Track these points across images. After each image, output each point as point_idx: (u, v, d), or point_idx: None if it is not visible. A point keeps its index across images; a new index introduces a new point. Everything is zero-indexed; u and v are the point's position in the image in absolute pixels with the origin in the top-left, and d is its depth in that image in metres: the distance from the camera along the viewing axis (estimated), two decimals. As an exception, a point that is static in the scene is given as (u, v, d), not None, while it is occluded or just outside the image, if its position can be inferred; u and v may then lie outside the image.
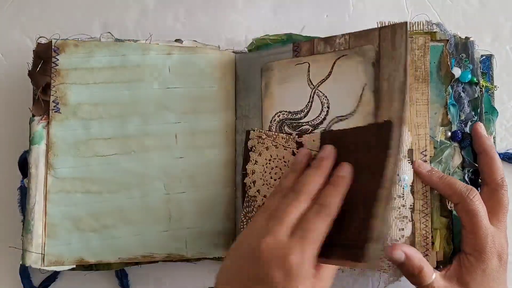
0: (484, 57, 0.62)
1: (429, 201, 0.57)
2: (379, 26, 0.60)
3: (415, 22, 0.59)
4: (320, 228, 0.47)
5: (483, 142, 0.57)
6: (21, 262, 0.60)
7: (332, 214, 0.48)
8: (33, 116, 0.62)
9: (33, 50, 0.63)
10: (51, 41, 0.62)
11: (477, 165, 0.59)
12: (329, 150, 0.54)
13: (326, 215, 0.48)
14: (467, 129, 0.59)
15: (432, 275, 0.53)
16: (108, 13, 0.72)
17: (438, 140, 0.58)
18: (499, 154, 0.62)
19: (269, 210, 0.50)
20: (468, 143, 0.59)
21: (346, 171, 0.51)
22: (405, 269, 0.53)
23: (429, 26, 0.59)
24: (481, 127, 0.58)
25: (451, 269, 0.54)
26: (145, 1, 0.73)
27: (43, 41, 0.62)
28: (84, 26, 0.71)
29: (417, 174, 0.57)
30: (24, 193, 0.63)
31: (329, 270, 0.49)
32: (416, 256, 0.53)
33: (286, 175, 0.55)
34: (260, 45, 0.66)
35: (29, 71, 0.62)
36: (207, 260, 0.65)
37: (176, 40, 0.65)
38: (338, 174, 0.51)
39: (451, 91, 0.58)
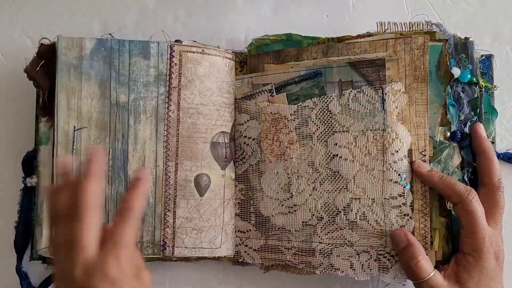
0: (484, 57, 0.62)
1: (428, 201, 0.57)
2: (379, 26, 0.60)
3: (415, 22, 0.59)
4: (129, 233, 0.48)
5: (482, 143, 0.58)
6: (33, 251, 0.64)
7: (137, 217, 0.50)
8: (38, 117, 0.65)
9: (37, 50, 0.63)
10: (54, 43, 0.63)
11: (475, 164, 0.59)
12: (95, 152, 0.52)
13: (132, 220, 0.49)
14: (466, 129, 0.59)
15: (430, 271, 0.54)
16: (108, 13, 0.72)
17: (437, 140, 0.58)
18: (499, 154, 0.63)
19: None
20: (467, 143, 0.59)
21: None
22: (404, 258, 0.55)
23: (428, 26, 0.59)
24: (480, 127, 0.58)
25: (449, 269, 0.55)
26: (145, 2, 0.73)
27: (46, 42, 0.63)
28: (84, 26, 0.71)
29: (416, 174, 0.57)
30: (26, 192, 0.66)
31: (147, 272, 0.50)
32: (418, 247, 0.55)
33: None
34: (259, 45, 0.66)
35: (26, 67, 0.63)
36: (207, 260, 0.65)
37: (176, 41, 0.65)
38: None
39: (450, 91, 0.58)
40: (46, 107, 0.64)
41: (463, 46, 0.59)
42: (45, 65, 0.63)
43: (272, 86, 0.62)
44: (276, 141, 0.63)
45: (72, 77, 0.62)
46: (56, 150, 0.61)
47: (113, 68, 0.63)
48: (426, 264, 0.54)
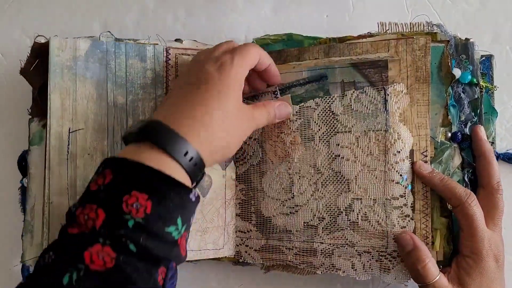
0: (484, 57, 0.62)
1: (429, 201, 0.57)
2: (379, 26, 0.60)
3: (416, 22, 0.59)
4: (253, 53, 0.55)
5: (482, 145, 0.58)
6: (20, 261, 0.60)
7: (264, 55, 0.57)
8: (32, 117, 0.63)
9: (30, 48, 0.62)
10: (48, 41, 0.61)
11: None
12: None
13: (259, 48, 0.57)
14: (467, 130, 0.59)
15: (437, 275, 0.54)
16: (108, 13, 0.72)
17: (439, 140, 0.58)
18: (499, 154, 0.63)
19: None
20: (468, 144, 0.59)
21: None
22: (410, 260, 0.55)
23: (429, 27, 0.59)
24: (481, 130, 0.58)
25: (452, 272, 0.55)
26: (145, 1, 0.73)
27: (42, 40, 0.62)
28: (84, 26, 0.71)
29: (417, 175, 0.57)
30: (24, 192, 0.63)
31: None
32: (425, 250, 0.55)
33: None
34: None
35: (21, 68, 0.62)
36: (207, 260, 0.65)
37: (176, 40, 0.65)
38: None
39: (451, 91, 0.59)
40: (38, 106, 0.62)
41: (464, 47, 0.59)
42: (40, 63, 0.62)
43: (276, 87, 0.62)
44: (278, 142, 0.63)
45: (66, 78, 0.60)
46: (49, 154, 0.59)
47: (109, 69, 0.62)
48: (433, 267, 0.54)
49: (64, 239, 0.44)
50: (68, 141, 0.60)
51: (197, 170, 0.49)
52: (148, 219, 0.43)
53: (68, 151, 0.60)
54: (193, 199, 0.47)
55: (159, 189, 0.44)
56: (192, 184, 0.49)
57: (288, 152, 0.62)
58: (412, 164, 0.57)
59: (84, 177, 0.60)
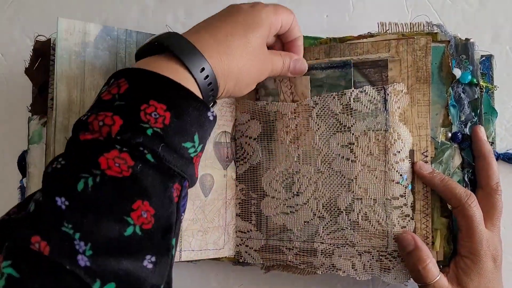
0: (484, 57, 0.62)
1: (429, 201, 0.58)
2: (380, 26, 0.60)
3: (416, 22, 0.59)
4: (283, 13, 0.55)
5: (481, 146, 0.58)
6: None
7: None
8: (32, 115, 0.62)
9: (32, 48, 0.62)
10: (50, 39, 0.61)
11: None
12: None
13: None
14: (467, 130, 0.59)
15: (437, 275, 0.54)
16: (108, 13, 0.72)
17: (439, 141, 0.58)
18: (499, 155, 0.63)
19: None
20: (468, 144, 0.59)
21: None
22: (411, 261, 0.55)
23: (429, 27, 0.59)
24: (481, 130, 0.58)
25: (451, 272, 0.55)
26: (145, 1, 0.73)
27: (42, 39, 0.62)
28: (84, 26, 0.71)
29: (418, 175, 0.57)
30: (23, 192, 0.63)
31: None
32: (426, 251, 0.55)
33: None
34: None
35: (26, 68, 0.62)
36: (207, 260, 0.65)
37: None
38: None
39: (451, 92, 0.59)
40: (38, 103, 0.62)
41: (464, 47, 0.59)
42: (42, 62, 0.62)
43: None
44: (277, 140, 0.63)
45: (73, 66, 0.56)
46: (54, 149, 0.55)
47: (119, 59, 0.59)
48: (433, 267, 0.54)
49: (75, 146, 0.42)
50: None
51: (209, 91, 0.48)
52: (166, 130, 0.41)
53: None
54: (211, 118, 0.46)
55: (177, 102, 0.43)
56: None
57: (287, 150, 0.62)
58: (413, 164, 0.58)
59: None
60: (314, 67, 0.61)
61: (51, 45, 0.60)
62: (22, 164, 0.64)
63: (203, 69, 0.46)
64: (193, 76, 0.46)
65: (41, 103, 0.61)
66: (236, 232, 0.66)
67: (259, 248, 0.64)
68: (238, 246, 0.65)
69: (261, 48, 0.53)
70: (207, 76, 0.47)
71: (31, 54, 0.62)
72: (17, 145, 0.68)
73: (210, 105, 0.47)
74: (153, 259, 0.40)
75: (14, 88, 0.70)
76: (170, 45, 0.46)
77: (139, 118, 0.41)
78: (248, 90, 0.54)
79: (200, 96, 0.46)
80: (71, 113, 0.56)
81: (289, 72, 0.59)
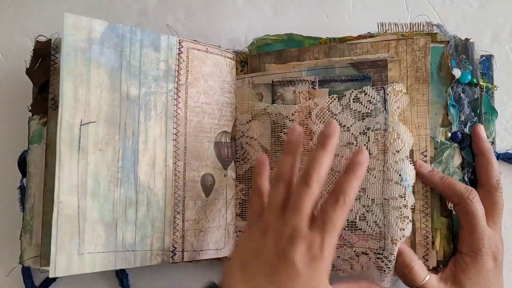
0: (484, 57, 0.62)
1: (429, 201, 0.58)
2: (379, 26, 0.60)
3: (415, 23, 0.60)
4: (340, 220, 0.47)
5: (481, 144, 0.58)
6: (19, 262, 0.60)
7: (351, 203, 0.48)
8: (32, 115, 0.62)
9: (33, 49, 0.62)
10: (50, 39, 0.61)
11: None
12: (334, 126, 0.51)
13: (345, 205, 0.48)
14: (466, 130, 0.59)
15: (425, 277, 0.54)
16: (108, 13, 0.72)
17: (439, 140, 0.58)
18: (499, 154, 0.63)
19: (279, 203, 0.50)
20: (468, 144, 0.59)
21: (363, 157, 0.50)
22: (397, 267, 0.55)
23: (429, 27, 0.59)
24: (481, 128, 0.58)
25: (447, 271, 0.55)
26: (145, 2, 0.73)
27: (42, 39, 0.62)
28: (84, 26, 0.71)
29: (418, 174, 0.57)
30: (23, 192, 0.63)
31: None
32: (409, 254, 0.55)
33: (284, 160, 0.52)
34: (260, 45, 0.66)
35: (27, 69, 0.62)
36: (207, 260, 0.65)
37: (177, 41, 0.65)
38: (356, 161, 0.49)
39: (451, 92, 0.59)
40: (38, 103, 0.61)
41: (464, 47, 0.59)
42: (43, 62, 0.62)
43: (316, 78, 0.62)
44: (277, 141, 0.63)
45: (80, 63, 0.55)
46: (60, 148, 0.53)
47: (124, 57, 0.58)
48: (420, 269, 0.54)
49: None
50: (80, 135, 0.54)
51: None
52: None
53: (79, 146, 0.54)
54: None
55: None
56: None
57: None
58: (412, 164, 0.57)
59: (94, 175, 0.55)
60: (334, 79, 0.61)
61: (52, 45, 0.60)
62: (23, 164, 0.64)
63: None
64: None
65: (41, 103, 0.61)
66: (236, 232, 0.66)
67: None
68: (238, 246, 0.65)
69: None
70: None
71: (32, 54, 0.62)
72: (17, 145, 0.68)
73: None
74: None
75: (15, 88, 0.70)
76: None
77: None
78: None
79: None
80: (77, 112, 0.54)
81: None
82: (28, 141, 0.61)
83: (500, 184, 0.57)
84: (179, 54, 0.62)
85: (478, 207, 0.54)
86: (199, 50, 0.64)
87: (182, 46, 0.62)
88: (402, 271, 0.55)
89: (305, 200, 0.48)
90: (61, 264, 0.53)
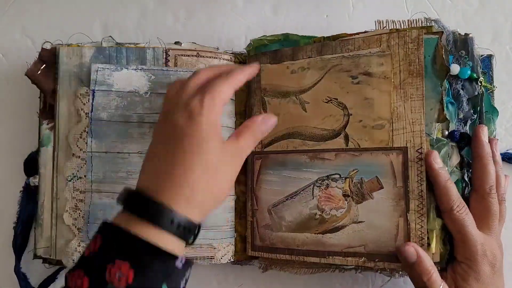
0: (484, 57, 0.61)
1: (425, 201, 0.55)
2: (377, 24, 0.60)
3: (414, 19, 0.58)
4: (221, 86, 0.51)
5: (479, 147, 0.56)
6: (32, 250, 0.64)
7: (235, 82, 0.53)
8: (41, 120, 0.65)
9: (38, 54, 0.64)
10: (55, 48, 0.64)
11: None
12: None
13: (227, 80, 0.52)
14: (466, 128, 0.57)
15: (440, 284, 0.53)
16: (108, 14, 0.73)
17: (434, 137, 0.56)
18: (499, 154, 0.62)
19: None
20: (467, 143, 0.57)
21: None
22: (415, 272, 0.53)
23: (427, 23, 0.57)
24: (483, 131, 0.56)
25: (449, 277, 0.54)
26: (145, 2, 0.73)
27: (48, 46, 0.64)
28: (84, 27, 0.72)
29: (428, 165, 0.55)
30: (28, 192, 0.66)
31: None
32: (428, 260, 0.53)
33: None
34: (258, 46, 0.66)
35: (28, 70, 0.63)
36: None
37: (175, 43, 0.65)
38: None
39: (447, 86, 0.56)
40: (47, 110, 0.65)
41: (463, 42, 0.57)
42: (46, 69, 0.64)
43: None
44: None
45: (72, 84, 0.63)
46: (57, 154, 0.63)
47: None
48: (437, 277, 0.53)
49: None
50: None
51: (187, 232, 0.47)
52: None
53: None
54: (180, 266, 0.45)
55: (142, 258, 0.43)
56: (187, 243, 0.48)
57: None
58: (421, 154, 0.55)
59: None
60: None
61: (56, 53, 0.64)
62: (30, 164, 0.66)
63: (172, 220, 0.46)
64: (165, 230, 0.46)
65: (48, 110, 0.65)
66: (236, 232, 0.66)
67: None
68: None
69: (223, 151, 0.50)
70: (179, 225, 0.46)
71: (36, 58, 0.64)
72: (17, 145, 0.68)
73: (190, 243, 0.48)
74: None
75: (15, 88, 0.70)
76: (135, 211, 0.46)
77: (104, 279, 0.42)
78: (230, 190, 0.55)
79: (178, 241, 0.47)
80: (71, 124, 0.63)
81: (263, 136, 0.56)
82: (38, 144, 0.64)
83: (493, 190, 0.55)
84: (166, 63, 0.64)
85: (466, 216, 0.53)
86: (188, 56, 0.65)
87: (169, 55, 0.64)
88: (420, 278, 0.53)
89: (190, 82, 0.53)
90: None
